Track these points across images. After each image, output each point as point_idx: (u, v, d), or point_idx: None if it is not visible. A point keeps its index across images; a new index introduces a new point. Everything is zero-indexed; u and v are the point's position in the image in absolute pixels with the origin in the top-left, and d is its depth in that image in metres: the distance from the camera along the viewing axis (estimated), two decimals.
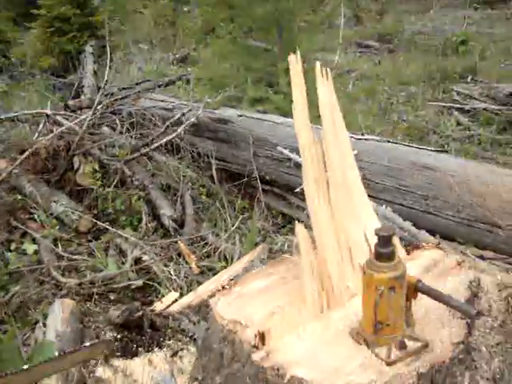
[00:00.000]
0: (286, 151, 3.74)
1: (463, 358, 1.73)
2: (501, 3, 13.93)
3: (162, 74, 6.83)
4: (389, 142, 3.47)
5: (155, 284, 3.08)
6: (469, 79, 7.39)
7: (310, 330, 1.77)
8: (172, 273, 3.07)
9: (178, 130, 4.11)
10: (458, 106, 6.47)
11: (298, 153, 3.59)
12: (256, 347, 1.72)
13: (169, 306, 2.81)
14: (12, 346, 2.32)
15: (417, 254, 2.06)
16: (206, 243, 3.46)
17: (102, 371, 2.17)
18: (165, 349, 2.39)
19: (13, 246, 3.61)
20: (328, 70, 1.92)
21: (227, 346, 1.82)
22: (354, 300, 1.83)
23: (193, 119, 4.19)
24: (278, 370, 1.61)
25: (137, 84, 5.65)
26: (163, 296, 2.93)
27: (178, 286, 3.02)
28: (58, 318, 2.55)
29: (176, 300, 2.88)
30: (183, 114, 4.34)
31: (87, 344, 2.01)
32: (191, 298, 2.87)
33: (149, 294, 3.08)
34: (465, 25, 10.06)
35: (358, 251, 1.93)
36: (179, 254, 3.31)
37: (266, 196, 4.12)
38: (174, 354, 2.30)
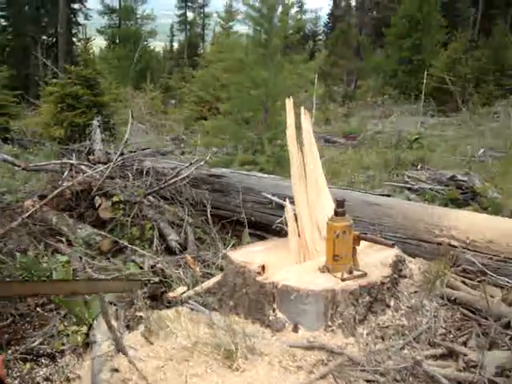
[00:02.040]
0: (269, 195, 4.82)
1: (390, 287, 2.75)
2: (454, 112, 15.77)
3: (159, 147, 7.97)
4: (347, 189, 4.59)
5: (168, 281, 4.01)
6: (419, 167, 8.70)
7: (293, 269, 2.79)
8: (181, 273, 4.01)
9: (182, 176, 5.16)
10: (409, 186, 7.70)
11: (278, 197, 4.70)
12: (259, 273, 2.72)
13: (180, 294, 3.76)
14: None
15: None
16: (204, 260, 4.43)
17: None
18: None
19: (45, 259, 4.49)
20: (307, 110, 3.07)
21: (239, 277, 2.81)
22: (320, 257, 2.85)
23: (193, 169, 5.26)
24: (273, 283, 2.61)
25: (142, 149, 6.75)
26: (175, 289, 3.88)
27: (185, 284, 3.96)
28: None
29: (184, 292, 3.82)
30: (184, 168, 5.44)
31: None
32: (196, 289, 3.83)
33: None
34: (419, 126, 11.58)
35: (322, 228, 2.98)
36: (185, 264, 4.26)
37: (251, 236, 5.13)
38: None
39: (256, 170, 5.66)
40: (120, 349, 2.55)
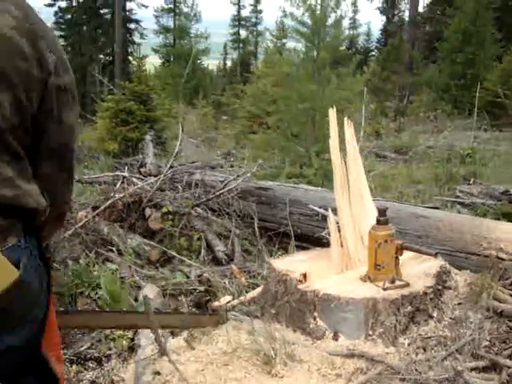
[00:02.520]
0: (315, 208, 4.84)
1: (433, 298, 2.74)
2: (508, 127, 15.40)
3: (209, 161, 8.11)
4: (394, 201, 4.56)
5: (214, 290, 4.08)
6: (471, 181, 8.54)
7: (334, 277, 2.80)
8: (227, 283, 4.08)
9: (229, 187, 5.25)
10: (460, 200, 7.56)
11: (325, 209, 4.71)
12: (300, 281, 2.75)
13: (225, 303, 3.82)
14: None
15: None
16: (250, 271, 4.49)
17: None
18: None
19: (96, 267, 4.64)
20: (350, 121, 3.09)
21: (281, 285, 2.85)
22: (363, 267, 2.86)
23: (239, 181, 5.34)
24: (314, 291, 2.64)
25: (192, 162, 6.89)
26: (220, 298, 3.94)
27: (230, 293, 4.02)
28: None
29: (229, 301, 3.88)
30: (231, 180, 5.53)
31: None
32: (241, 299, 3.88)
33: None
34: (472, 141, 11.37)
35: (365, 238, 2.98)
36: (231, 274, 4.33)
37: (297, 248, 5.15)
38: None
39: (303, 183, 5.70)
40: (163, 352, 2.61)
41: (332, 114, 3.01)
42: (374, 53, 39.11)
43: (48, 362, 1.66)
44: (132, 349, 3.00)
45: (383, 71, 23.75)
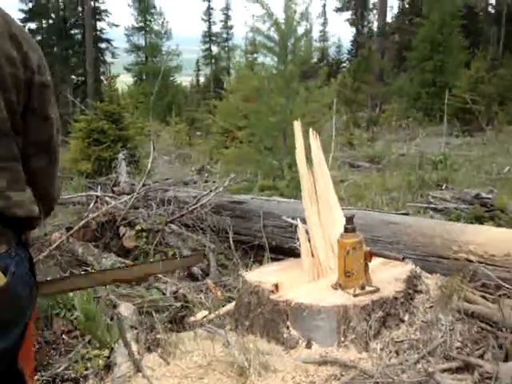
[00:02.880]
0: (288, 219, 4.88)
1: (404, 302, 2.78)
2: (479, 132, 15.67)
3: (183, 177, 8.12)
4: (365, 209, 4.62)
5: (190, 306, 4.09)
6: (443, 187, 8.66)
7: (306, 286, 2.83)
8: (203, 298, 4.08)
9: (202, 202, 5.27)
10: (433, 206, 7.67)
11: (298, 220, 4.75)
12: (272, 292, 2.77)
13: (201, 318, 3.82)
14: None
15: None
16: (226, 285, 4.50)
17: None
18: None
19: None
20: (316, 133, 3.14)
21: (253, 296, 2.87)
22: (334, 275, 2.89)
23: (212, 195, 5.36)
24: (287, 301, 2.66)
25: (165, 179, 6.90)
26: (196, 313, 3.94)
27: (207, 308, 4.02)
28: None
29: (205, 316, 3.88)
30: (205, 195, 5.55)
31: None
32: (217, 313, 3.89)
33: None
34: (443, 147, 11.54)
35: (335, 246, 3.02)
36: (207, 289, 4.34)
37: (272, 260, 5.18)
38: None
39: (276, 195, 5.74)
40: (138, 369, 2.61)
41: (297, 126, 3.06)
42: (345, 64, 39.57)
43: (23, 375, 1.67)
44: (108, 367, 2.99)
45: (354, 82, 24.01)
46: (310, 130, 3.13)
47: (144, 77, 33.28)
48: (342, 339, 2.56)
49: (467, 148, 13.19)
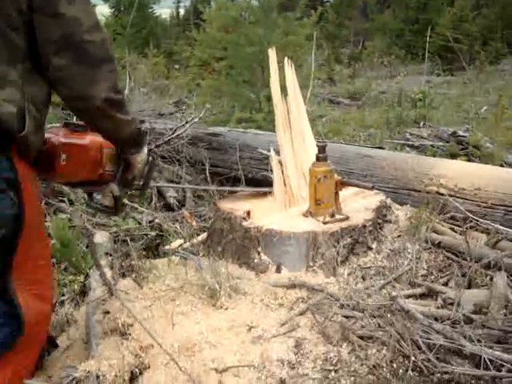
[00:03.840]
0: (265, 151, 4.88)
1: (372, 230, 2.83)
2: (460, 71, 15.61)
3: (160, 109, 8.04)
4: (341, 143, 4.64)
5: (165, 235, 4.13)
6: (421, 124, 8.70)
7: (277, 214, 2.87)
8: (178, 228, 4.12)
9: (177, 133, 5.24)
10: (410, 143, 7.72)
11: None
12: (244, 219, 2.81)
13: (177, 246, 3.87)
14: None
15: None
16: (201, 215, 4.54)
17: None
18: None
19: (47, 218, 4.62)
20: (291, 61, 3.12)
21: (226, 223, 2.91)
22: (305, 204, 2.93)
23: (187, 127, 5.33)
24: (257, 227, 2.70)
25: (141, 111, 6.83)
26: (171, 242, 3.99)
27: (182, 237, 4.07)
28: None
29: (180, 245, 3.94)
30: (180, 126, 5.52)
31: None
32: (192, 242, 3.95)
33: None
34: (423, 85, 11.49)
35: (307, 175, 3.04)
36: (182, 219, 4.38)
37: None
38: None
39: (253, 127, 5.72)
40: (112, 292, 2.66)
41: (272, 54, 3.03)
42: None
43: (10, 295, 1.74)
44: (84, 292, 3.04)
45: (337, 17, 23.61)
46: (286, 58, 3.10)
47: (122, 8, 32.29)
48: (311, 264, 2.62)
49: (447, 87, 13.18)
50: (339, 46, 22.58)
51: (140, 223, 4.34)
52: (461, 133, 7.52)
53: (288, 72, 3.09)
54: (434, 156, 7.01)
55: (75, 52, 1.65)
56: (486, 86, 12.90)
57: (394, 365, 2.09)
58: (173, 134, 5.40)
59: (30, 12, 1.59)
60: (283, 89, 3.16)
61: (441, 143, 7.55)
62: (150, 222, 4.30)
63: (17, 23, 1.58)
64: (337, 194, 2.78)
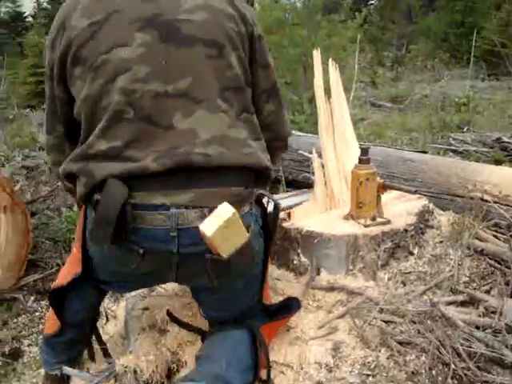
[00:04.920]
0: (305, 153, 4.88)
1: (414, 235, 2.79)
2: (506, 76, 15.30)
3: None
4: (383, 146, 4.60)
5: None
6: (465, 129, 8.56)
7: (318, 216, 2.86)
8: None
9: None
10: (453, 148, 7.60)
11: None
12: (285, 220, 2.81)
13: None
14: None
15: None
16: None
17: None
18: None
19: None
20: (335, 64, 3.11)
21: None
22: (346, 206, 2.91)
23: None
24: (298, 228, 2.69)
25: None
26: None
27: None
28: None
29: None
30: None
31: None
32: None
33: None
34: (467, 90, 11.30)
35: (349, 177, 3.02)
36: None
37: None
38: None
39: (295, 129, 5.72)
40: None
41: (316, 55, 3.02)
42: (372, 1, 38.43)
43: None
44: None
45: (381, 20, 23.39)
46: (330, 60, 3.09)
47: None
48: (351, 267, 2.60)
49: (492, 92, 12.93)
50: (382, 48, 22.36)
51: None
52: (505, 139, 7.39)
53: (332, 74, 3.09)
54: (478, 162, 6.89)
55: (278, 98, 1.89)
56: None
57: (434, 372, 2.06)
58: None
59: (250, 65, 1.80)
60: (326, 91, 3.14)
61: (485, 149, 7.42)
62: None
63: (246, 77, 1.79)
64: (379, 197, 2.75)
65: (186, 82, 1.62)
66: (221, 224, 1.52)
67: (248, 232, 1.65)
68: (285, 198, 3.29)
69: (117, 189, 1.58)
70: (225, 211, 1.54)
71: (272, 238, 1.97)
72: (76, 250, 1.97)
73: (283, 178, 5.12)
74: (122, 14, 1.63)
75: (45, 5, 31.02)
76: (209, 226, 1.53)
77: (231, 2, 1.73)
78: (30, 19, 27.79)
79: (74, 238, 4.16)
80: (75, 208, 4.47)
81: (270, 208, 1.98)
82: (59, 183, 4.95)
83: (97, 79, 1.61)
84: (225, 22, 1.66)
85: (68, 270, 2.04)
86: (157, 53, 1.61)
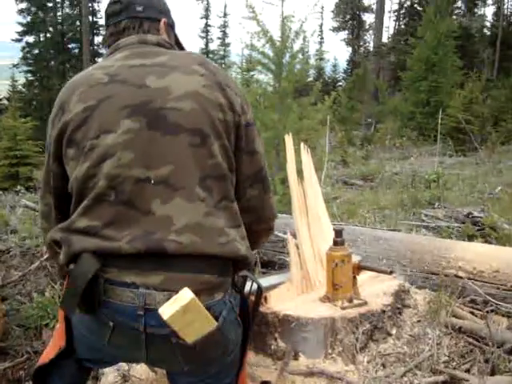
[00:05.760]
0: (280, 234, 4.90)
1: (392, 316, 2.80)
2: (472, 152, 15.79)
3: None
4: (356, 225, 4.65)
5: None
6: (436, 205, 8.72)
7: (294, 299, 2.85)
8: None
9: None
10: (425, 224, 7.70)
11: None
12: (262, 304, 2.78)
13: None
14: None
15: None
16: None
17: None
18: None
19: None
20: (307, 147, 3.18)
21: None
22: (323, 288, 2.91)
23: None
24: (275, 313, 2.68)
25: None
26: None
27: None
28: None
29: None
30: None
31: None
32: None
33: None
34: (436, 166, 11.61)
35: (324, 259, 3.04)
36: None
37: (263, 275, 5.19)
38: None
39: None
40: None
41: (288, 140, 3.10)
42: (341, 83, 39.86)
43: None
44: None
45: (349, 101, 24.18)
46: (302, 144, 3.17)
47: None
48: (330, 351, 2.57)
49: (460, 167, 13.29)
50: (352, 128, 22.99)
51: None
52: (476, 213, 7.52)
53: (304, 157, 3.16)
54: (450, 237, 6.99)
55: (264, 183, 1.86)
56: (498, 166, 13.01)
57: None
58: None
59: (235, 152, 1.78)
60: (299, 173, 3.20)
61: (456, 224, 7.53)
62: None
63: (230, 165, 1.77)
64: (354, 278, 2.76)
65: (167, 169, 1.65)
66: (178, 309, 1.51)
67: (218, 320, 1.63)
68: (260, 279, 3.26)
69: (88, 263, 1.62)
70: (184, 296, 1.54)
71: (250, 327, 1.92)
72: (60, 319, 1.94)
73: (258, 260, 5.11)
74: (113, 100, 1.68)
75: (19, 87, 31.54)
76: (166, 310, 1.53)
77: (222, 90, 1.75)
78: (4, 102, 28.05)
79: (45, 325, 4.08)
80: (47, 293, 4.39)
81: (254, 288, 1.98)
82: (31, 267, 4.90)
83: (85, 162, 1.66)
84: (212, 111, 1.69)
85: (52, 345, 1.99)
86: (142, 140, 1.65)
